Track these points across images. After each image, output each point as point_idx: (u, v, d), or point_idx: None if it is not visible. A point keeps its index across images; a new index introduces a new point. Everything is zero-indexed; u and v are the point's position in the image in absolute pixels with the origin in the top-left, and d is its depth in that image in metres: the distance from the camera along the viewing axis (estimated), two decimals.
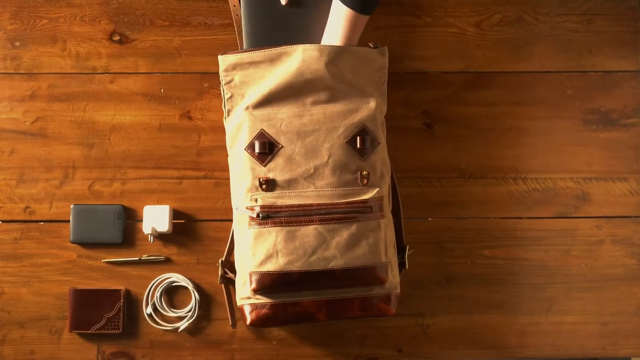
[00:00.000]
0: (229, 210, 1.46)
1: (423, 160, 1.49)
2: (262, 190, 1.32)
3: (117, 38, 1.50)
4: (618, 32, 1.53)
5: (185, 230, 1.46)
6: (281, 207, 1.30)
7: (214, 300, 1.45)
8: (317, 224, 1.30)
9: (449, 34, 1.52)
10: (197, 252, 1.46)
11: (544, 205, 1.49)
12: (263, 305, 1.32)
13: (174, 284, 1.44)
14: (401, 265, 1.41)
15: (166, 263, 1.45)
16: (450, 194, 1.49)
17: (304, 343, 1.44)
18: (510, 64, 1.52)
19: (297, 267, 1.29)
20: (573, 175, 1.50)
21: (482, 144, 1.50)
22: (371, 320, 1.45)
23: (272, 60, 1.37)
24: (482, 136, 1.50)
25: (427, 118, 1.50)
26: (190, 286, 1.43)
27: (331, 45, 1.37)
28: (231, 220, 1.44)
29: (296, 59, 1.36)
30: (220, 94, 1.46)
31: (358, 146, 1.33)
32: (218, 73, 1.43)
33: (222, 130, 1.45)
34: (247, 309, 1.33)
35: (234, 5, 1.45)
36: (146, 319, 1.43)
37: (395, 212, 1.42)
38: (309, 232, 1.30)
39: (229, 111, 1.38)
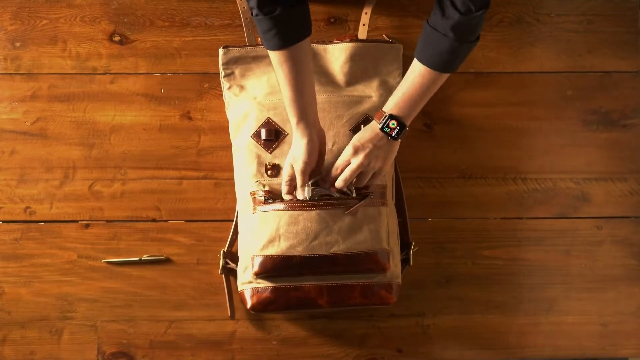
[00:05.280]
0: (229, 210, 1.46)
1: (423, 161, 1.49)
2: (268, 176, 1.34)
3: (117, 38, 1.50)
4: (618, 32, 1.53)
5: (185, 230, 1.46)
6: None
7: (214, 300, 1.45)
8: (320, 209, 1.31)
9: None
10: (197, 252, 1.45)
11: (544, 206, 1.49)
12: (264, 289, 1.32)
13: None
14: (405, 261, 1.41)
15: (166, 263, 1.45)
16: (451, 194, 1.49)
17: (304, 343, 1.44)
18: (510, 64, 1.52)
19: (298, 251, 1.29)
20: (573, 176, 1.50)
21: (482, 144, 1.50)
22: (371, 320, 1.45)
23: None
24: (482, 136, 1.50)
25: (427, 118, 1.50)
26: None
27: (339, 44, 1.41)
28: (231, 221, 1.44)
29: None
30: (221, 94, 1.46)
31: None
32: (218, 73, 1.44)
33: (222, 130, 1.45)
34: (247, 293, 1.34)
35: (244, 8, 1.46)
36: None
37: (400, 212, 1.43)
38: (311, 217, 1.30)
39: (228, 102, 1.42)
